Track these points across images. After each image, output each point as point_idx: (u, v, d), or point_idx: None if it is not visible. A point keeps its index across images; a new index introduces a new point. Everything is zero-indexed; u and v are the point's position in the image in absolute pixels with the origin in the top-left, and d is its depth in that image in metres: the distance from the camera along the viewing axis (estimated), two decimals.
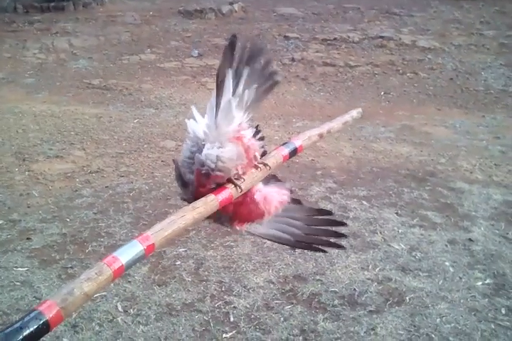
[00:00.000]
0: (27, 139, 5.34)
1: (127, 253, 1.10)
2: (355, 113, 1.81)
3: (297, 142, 1.57)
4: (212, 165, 1.28)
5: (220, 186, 1.35)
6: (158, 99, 7.11)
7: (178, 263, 3.18)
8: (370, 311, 2.80)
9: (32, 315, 0.91)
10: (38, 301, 2.76)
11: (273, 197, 1.43)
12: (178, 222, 1.21)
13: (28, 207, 3.94)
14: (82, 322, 2.66)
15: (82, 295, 0.98)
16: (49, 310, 0.93)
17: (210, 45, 9.20)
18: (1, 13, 10.93)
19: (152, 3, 11.95)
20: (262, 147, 1.38)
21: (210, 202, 1.30)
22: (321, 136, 1.64)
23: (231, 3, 10.91)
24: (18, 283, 2.96)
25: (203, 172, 1.31)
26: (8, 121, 5.92)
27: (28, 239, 3.44)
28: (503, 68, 8.05)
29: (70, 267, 3.13)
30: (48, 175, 4.53)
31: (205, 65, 8.43)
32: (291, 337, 2.62)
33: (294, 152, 1.53)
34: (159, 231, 1.17)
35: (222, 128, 1.28)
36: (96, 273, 1.02)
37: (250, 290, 2.94)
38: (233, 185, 1.34)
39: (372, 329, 2.68)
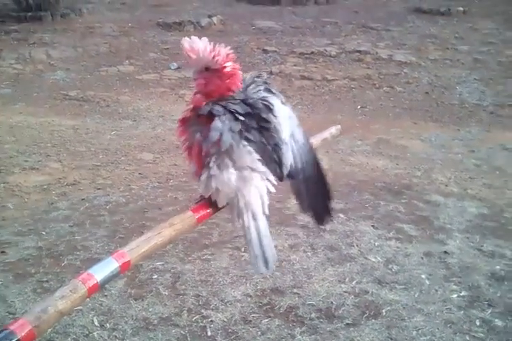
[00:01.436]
0: (3, 151, 5.29)
1: (102, 270, 1.09)
2: (334, 130, 1.84)
3: None
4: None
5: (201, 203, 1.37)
6: (136, 111, 7.09)
7: (155, 276, 3.16)
8: (347, 324, 2.81)
9: (2, 335, 0.90)
10: (11, 316, 2.72)
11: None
12: (154, 239, 1.21)
13: (3, 219, 3.89)
14: (58, 337, 2.63)
15: (56, 313, 0.98)
16: (21, 329, 0.92)
17: None
18: None
19: (131, 14, 11.94)
20: None
21: (187, 219, 1.31)
22: None
23: (210, 16, 10.95)
24: None
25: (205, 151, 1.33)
26: None
27: (2, 252, 3.39)
28: (477, 83, 8.19)
29: (46, 281, 3.09)
30: (24, 187, 4.48)
31: (184, 78, 8.43)
32: None
33: None
34: (135, 248, 1.17)
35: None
36: (70, 291, 1.02)
37: (228, 304, 2.93)
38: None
39: None
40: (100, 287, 1.10)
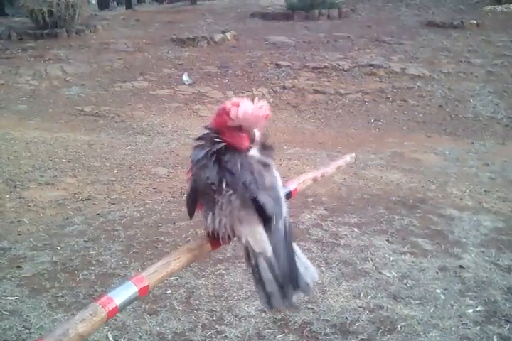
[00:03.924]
0: (18, 166, 5.34)
1: (122, 294, 1.11)
2: (348, 158, 1.87)
3: (292, 186, 1.62)
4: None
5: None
6: (151, 126, 7.15)
7: (169, 291, 3.16)
8: (362, 339, 2.79)
9: None
10: (26, 331, 2.74)
11: None
12: (172, 264, 1.23)
13: (19, 234, 3.92)
14: None
15: (76, 336, 0.99)
16: None
17: (202, 72, 9.30)
18: None
19: (145, 31, 12.09)
20: None
21: (205, 245, 1.33)
22: (314, 179, 1.70)
23: (223, 32, 11.07)
24: (6, 313, 2.92)
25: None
26: None
27: (18, 267, 3.41)
28: (491, 95, 8.17)
29: (61, 296, 3.10)
30: (39, 202, 4.52)
31: (197, 93, 8.51)
32: None
33: (288, 195, 1.57)
34: (154, 273, 1.19)
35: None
36: (90, 314, 1.03)
37: (242, 319, 2.92)
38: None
39: None
40: (119, 310, 1.11)
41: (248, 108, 1.30)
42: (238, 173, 1.32)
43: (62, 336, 0.98)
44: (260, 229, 1.35)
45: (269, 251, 1.34)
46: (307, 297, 3.12)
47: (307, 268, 1.41)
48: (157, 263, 1.22)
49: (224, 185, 1.32)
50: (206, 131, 1.38)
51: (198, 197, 1.38)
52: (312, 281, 1.41)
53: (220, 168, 1.32)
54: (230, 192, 1.32)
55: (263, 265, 1.33)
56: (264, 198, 1.33)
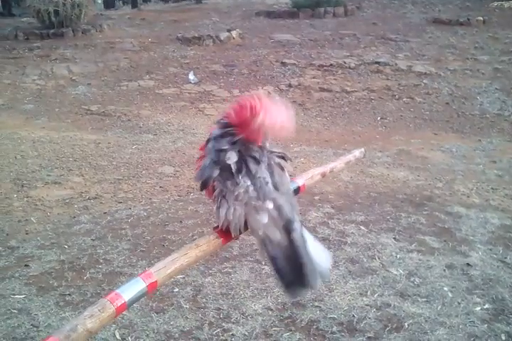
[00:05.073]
0: (25, 165, 5.36)
1: (130, 290, 1.11)
2: (357, 153, 1.86)
3: (300, 181, 1.60)
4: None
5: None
6: (157, 125, 7.16)
7: (176, 290, 3.17)
8: (369, 338, 2.78)
9: None
10: (35, 329, 2.75)
11: None
12: (181, 260, 1.23)
13: (27, 233, 3.94)
14: None
15: (85, 332, 0.99)
16: None
17: (208, 71, 9.30)
18: (2, 41, 11.08)
19: (151, 30, 12.10)
20: None
21: (212, 241, 1.33)
22: (323, 175, 1.69)
23: (229, 31, 11.06)
24: (14, 311, 2.93)
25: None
26: (6, 147, 5.95)
27: (26, 265, 3.43)
28: (498, 92, 8.13)
29: (68, 294, 3.11)
30: (47, 201, 4.53)
31: (203, 91, 8.51)
32: None
33: (296, 191, 1.55)
34: (162, 269, 1.19)
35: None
36: (99, 310, 1.03)
37: (249, 317, 2.92)
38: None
39: None
40: (128, 306, 1.11)
41: (277, 115, 1.32)
42: (262, 164, 1.33)
43: (71, 332, 0.98)
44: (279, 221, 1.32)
45: (285, 241, 1.31)
46: (314, 295, 3.12)
47: (320, 261, 1.38)
48: (165, 259, 1.22)
49: (243, 174, 1.31)
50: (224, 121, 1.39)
51: (214, 173, 1.35)
52: (326, 269, 1.39)
53: (241, 157, 1.32)
54: (248, 183, 1.31)
55: (280, 255, 1.31)
56: (281, 201, 1.32)
